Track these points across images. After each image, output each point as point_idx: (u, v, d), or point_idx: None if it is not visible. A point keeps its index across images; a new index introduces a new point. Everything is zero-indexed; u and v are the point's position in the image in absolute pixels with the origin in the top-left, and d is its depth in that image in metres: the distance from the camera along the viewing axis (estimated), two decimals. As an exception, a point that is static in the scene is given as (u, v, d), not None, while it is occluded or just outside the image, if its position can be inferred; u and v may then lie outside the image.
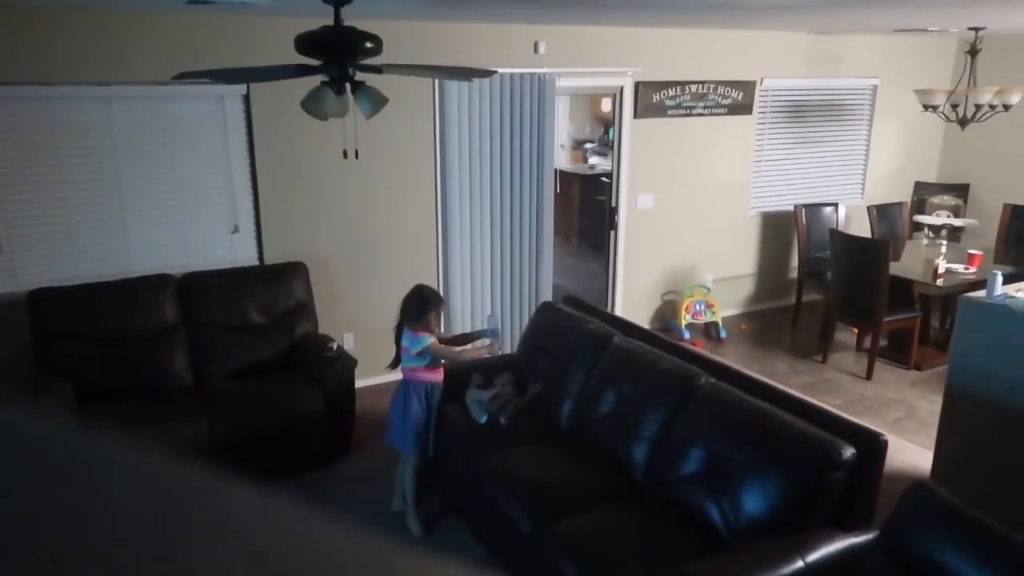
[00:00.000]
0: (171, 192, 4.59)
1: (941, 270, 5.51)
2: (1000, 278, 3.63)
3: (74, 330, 4.10)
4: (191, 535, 0.23)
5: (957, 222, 6.79)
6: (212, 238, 4.76)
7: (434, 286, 5.24)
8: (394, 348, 3.66)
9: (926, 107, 5.65)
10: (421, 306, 3.52)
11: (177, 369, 4.26)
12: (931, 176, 7.60)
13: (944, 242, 6.23)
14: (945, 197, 7.14)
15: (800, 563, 2.47)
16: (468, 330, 5.23)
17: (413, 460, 3.68)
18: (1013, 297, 3.57)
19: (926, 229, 6.70)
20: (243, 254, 4.84)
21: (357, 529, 0.26)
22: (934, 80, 6.71)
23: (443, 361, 3.68)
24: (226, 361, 4.37)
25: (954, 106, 5.52)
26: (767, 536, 2.67)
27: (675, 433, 3.18)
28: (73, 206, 4.36)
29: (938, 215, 6.92)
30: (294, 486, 3.91)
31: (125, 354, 4.14)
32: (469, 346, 3.90)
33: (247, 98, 4.65)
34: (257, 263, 4.87)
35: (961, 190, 7.23)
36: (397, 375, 3.71)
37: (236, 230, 4.81)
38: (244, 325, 4.49)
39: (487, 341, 3.87)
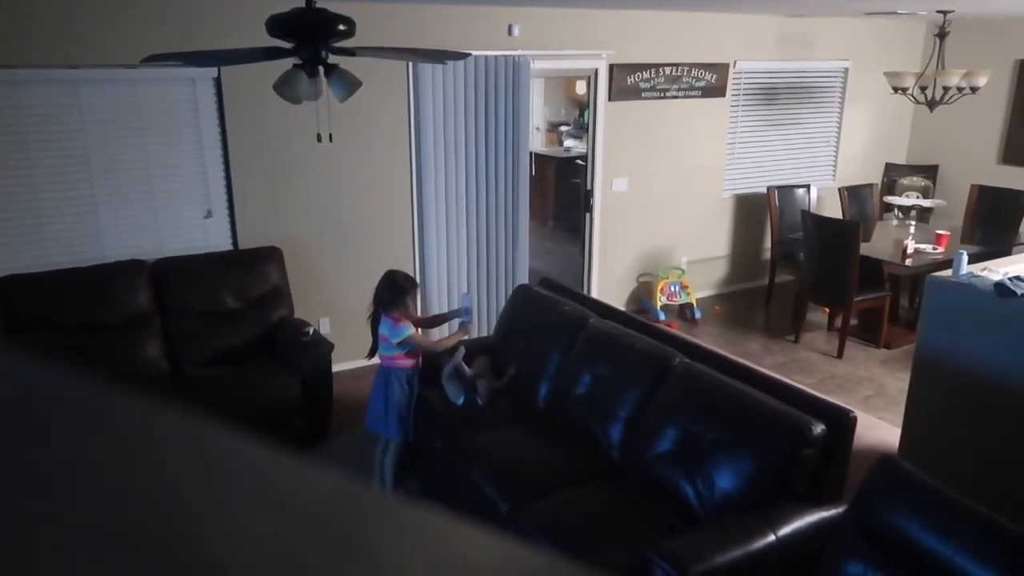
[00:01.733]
0: (143, 177, 4.53)
1: (910, 250, 5.60)
2: (966, 257, 3.71)
3: (45, 317, 4.05)
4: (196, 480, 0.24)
5: (926, 203, 6.91)
6: (185, 223, 4.71)
7: (410, 270, 5.24)
8: (370, 335, 3.67)
9: (896, 89, 5.72)
10: (395, 293, 3.52)
11: (152, 356, 4.22)
12: (901, 158, 7.70)
13: (913, 223, 6.33)
14: (914, 178, 7.25)
15: (772, 537, 2.52)
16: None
17: (395, 444, 3.70)
18: (978, 276, 3.65)
19: (896, 210, 6.81)
20: (217, 239, 4.80)
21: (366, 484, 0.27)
22: (904, 63, 6.78)
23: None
24: (201, 347, 4.34)
25: (923, 88, 5.59)
26: (740, 512, 2.73)
27: (650, 413, 3.23)
28: (42, 192, 4.29)
29: (907, 196, 7.03)
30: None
31: (98, 342, 4.10)
32: (446, 328, 3.91)
33: (218, 81, 4.59)
34: (231, 248, 4.83)
35: (930, 171, 7.35)
36: (374, 358, 3.72)
37: (209, 215, 4.77)
38: (219, 311, 4.45)
39: (462, 319, 3.88)
